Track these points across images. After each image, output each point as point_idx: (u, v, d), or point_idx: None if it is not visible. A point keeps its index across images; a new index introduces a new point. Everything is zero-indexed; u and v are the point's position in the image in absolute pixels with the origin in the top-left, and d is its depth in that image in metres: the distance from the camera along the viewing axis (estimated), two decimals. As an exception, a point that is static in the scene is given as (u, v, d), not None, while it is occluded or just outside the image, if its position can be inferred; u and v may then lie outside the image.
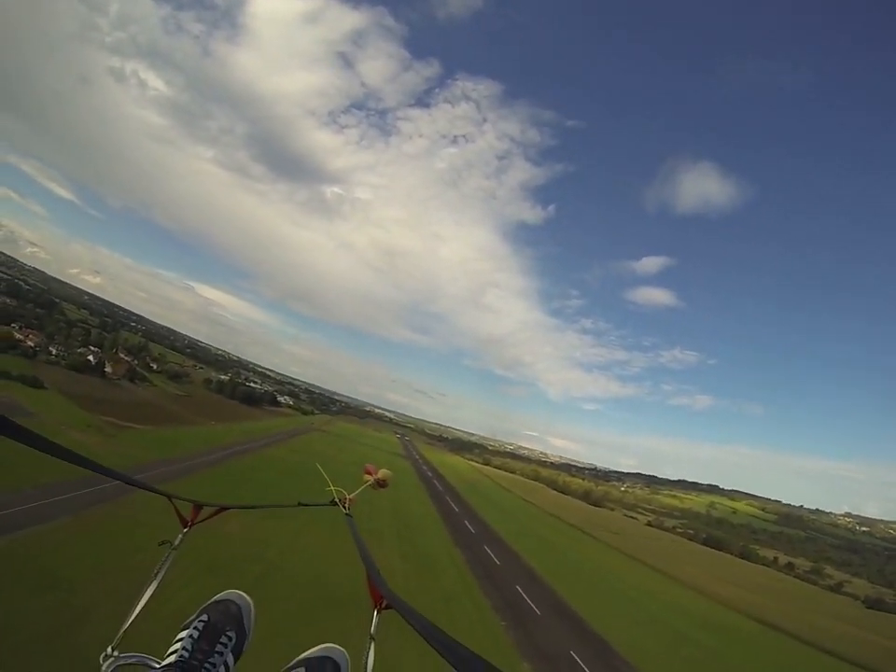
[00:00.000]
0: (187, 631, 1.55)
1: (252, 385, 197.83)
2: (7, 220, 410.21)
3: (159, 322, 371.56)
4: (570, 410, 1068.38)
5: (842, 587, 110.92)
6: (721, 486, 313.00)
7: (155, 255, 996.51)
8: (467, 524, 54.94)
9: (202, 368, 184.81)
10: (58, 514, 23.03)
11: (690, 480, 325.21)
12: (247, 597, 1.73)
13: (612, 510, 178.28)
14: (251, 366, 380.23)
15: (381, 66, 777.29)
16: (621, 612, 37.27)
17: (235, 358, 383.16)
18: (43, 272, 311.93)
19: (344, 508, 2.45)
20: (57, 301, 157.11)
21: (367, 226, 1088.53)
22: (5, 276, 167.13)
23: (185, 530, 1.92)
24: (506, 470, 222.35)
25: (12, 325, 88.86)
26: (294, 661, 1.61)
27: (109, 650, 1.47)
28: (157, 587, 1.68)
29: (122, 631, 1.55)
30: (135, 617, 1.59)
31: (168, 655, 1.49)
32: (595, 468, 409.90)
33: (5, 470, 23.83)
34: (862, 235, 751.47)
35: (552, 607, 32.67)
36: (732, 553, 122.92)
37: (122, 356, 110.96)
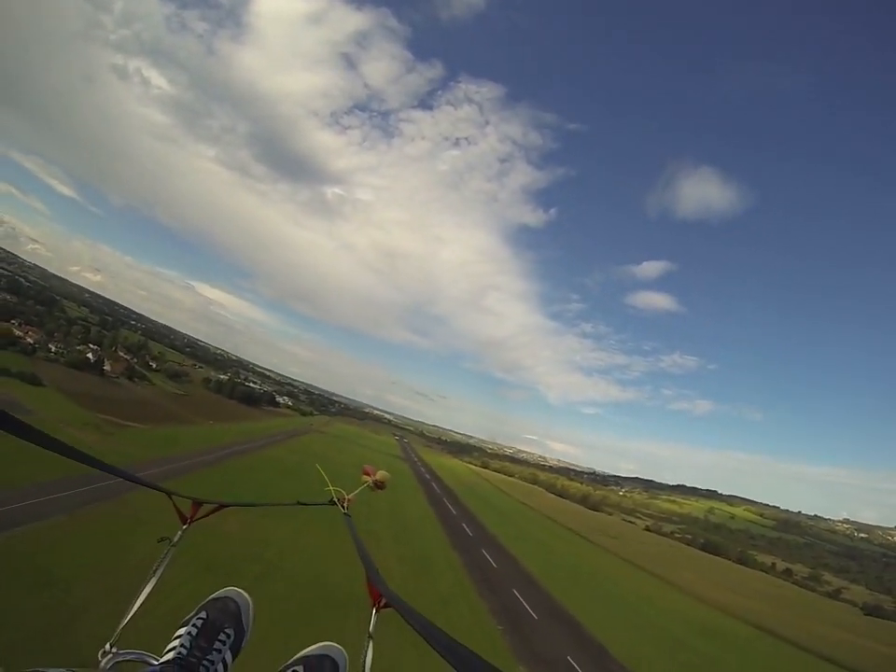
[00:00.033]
0: (185, 628, 1.55)
1: (251, 384, 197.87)
2: (8, 216, 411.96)
3: (158, 321, 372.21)
4: (570, 413, 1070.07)
5: (840, 594, 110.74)
6: (719, 492, 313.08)
7: (155, 253, 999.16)
8: (464, 526, 54.81)
9: (201, 367, 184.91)
10: (55, 512, 22.97)
11: (689, 485, 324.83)
12: (246, 595, 1.73)
13: (610, 514, 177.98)
14: (250, 366, 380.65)
15: (384, 68, 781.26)
16: (618, 617, 37.17)
17: (235, 358, 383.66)
18: (44, 269, 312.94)
19: (343, 507, 2.45)
20: (57, 298, 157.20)
21: (368, 227, 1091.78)
22: (5, 272, 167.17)
23: (184, 527, 1.92)
24: (504, 474, 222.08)
25: (12, 321, 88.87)
26: (292, 659, 1.61)
27: (108, 646, 1.48)
28: (156, 584, 1.69)
29: (121, 627, 1.55)
30: (134, 614, 1.60)
31: (166, 652, 1.49)
32: (594, 472, 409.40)
33: (3, 468, 23.82)
34: (862, 241, 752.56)
35: (549, 611, 32.58)
36: (730, 559, 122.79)
37: (122, 354, 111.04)
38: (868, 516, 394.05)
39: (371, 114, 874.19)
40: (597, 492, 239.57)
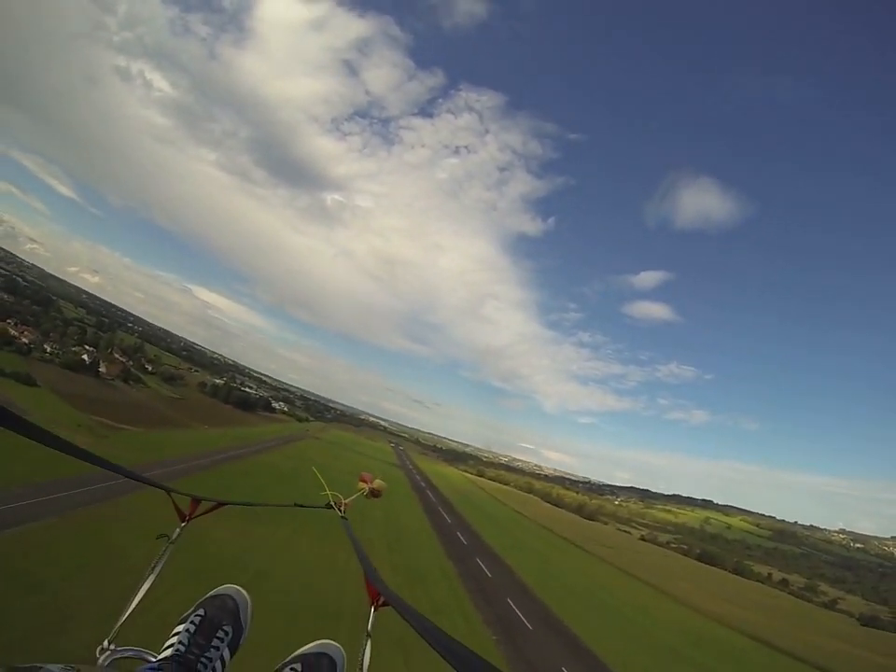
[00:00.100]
0: (183, 625, 1.55)
1: (247, 389, 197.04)
2: (7, 215, 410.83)
3: (155, 323, 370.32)
4: (566, 423, 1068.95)
5: (836, 604, 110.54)
6: (715, 501, 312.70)
7: (154, 256, 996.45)
8: (459, 535, 54.50)
9: (197, 371, 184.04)
10: (46, 514, 22.73)
11: (684, 495, 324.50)
12: (244, 593, 1.74)
13: (606, 523, 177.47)
14: (247, 371, 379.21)
15: (385, 75, 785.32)
16: (613, 627, 36.93)
17: (231, 363, 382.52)
18: (42, 268, 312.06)
19: (340, 511, 2.46)
20: (54, 298, 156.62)
21: (367, 234, 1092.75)
22: (3, 272, 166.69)
23: (182, 524, 1.92)
24: (500, 482, 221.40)
25: (8, 321, 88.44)
26: (290, 657, 1.61)
27: (106, 643, 1.48)
28: (154, 581, 1.69)
29: (119, 624, 1.55)
30: (132, 611, 1.59)
31: (164, 649, 1.49)
32: (590, 481, 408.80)
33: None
34: (861, 252, 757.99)
35: (543, 621, 32.33)
36: (726, 569, 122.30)
37: (117, 356, 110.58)
38: (864, 526, 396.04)
39: (372, 121, 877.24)
40: (593, 501, 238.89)
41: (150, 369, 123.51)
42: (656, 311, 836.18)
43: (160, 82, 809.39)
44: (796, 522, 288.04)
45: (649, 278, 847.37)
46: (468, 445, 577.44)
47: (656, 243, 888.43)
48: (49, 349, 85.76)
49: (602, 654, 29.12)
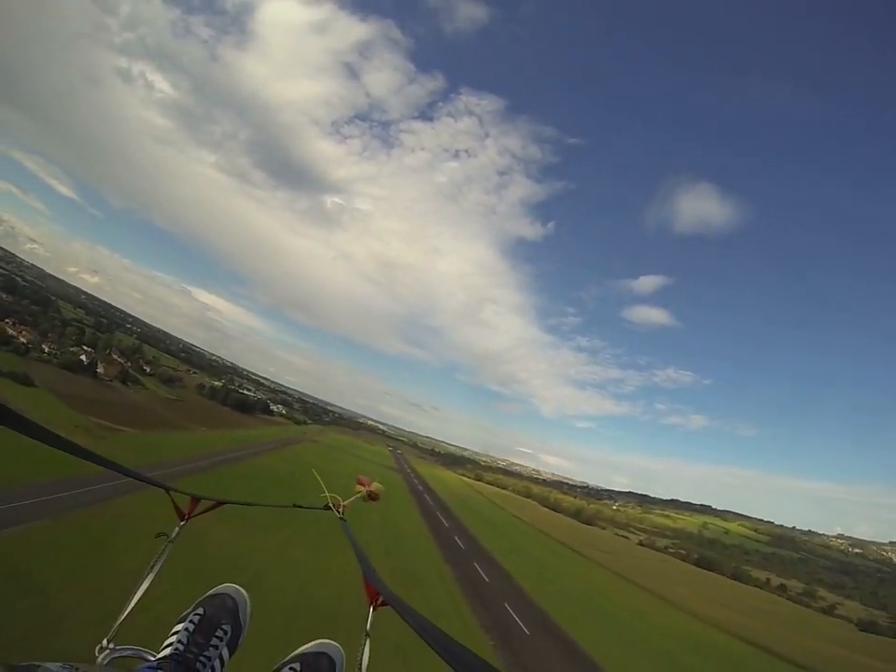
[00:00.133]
0: (182, 624, 1.55)
1: (245, 392, 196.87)
2: (7, 215, 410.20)
3: (154, 325, 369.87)
4: (564, 427, 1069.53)
5: (835, 609, 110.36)
6: (713, 506, 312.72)
7: (153, 257, 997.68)
8: (457, 539, 54.31)
9: (195, 373, 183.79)
10: (39, 516, 22.59)
11: (682, 500, 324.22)
12: (244, 592, 1.74)
13: (604, 528, 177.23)
14: (245, 373, 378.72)
15: (386, 78, 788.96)
16: (611, 633, 36.76)
17: (230, 365, 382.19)
18: (41, 269, 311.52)
19: (339, 512, 2.48)
20: (53, 298, 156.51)
21: (366, 237, 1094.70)
22: (2, 271, 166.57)
23: (182, 523, 1.91)
24: (498, 486, 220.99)
25: (6, 320, 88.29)
26: (289, 656, 1.62)
27: (105, 642, 1.47)
28: (153, 580, 1.69)
29: (118, 623, 1.54)
30: (131, 609, 1.59)
31: (163, 648, 1.49)
32: (587, 486, 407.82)
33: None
34: (859, 257, 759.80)
35: (541, 626, 32.17)
36: (724, 575, 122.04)
37: (116, 357, 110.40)
38: (862, 531, 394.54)
39: (372, 124, 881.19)
40: (591, 506, 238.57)
41: (148, 370, 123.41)
42: (655, 315, 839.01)
43: (161, 83, 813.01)
44: (794, 527, 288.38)
45: (647, 283, 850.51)
46: (465, 449, 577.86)
47: (655, 247, 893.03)
48: (47, 349, 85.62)
49: (599, 659, 28.96)
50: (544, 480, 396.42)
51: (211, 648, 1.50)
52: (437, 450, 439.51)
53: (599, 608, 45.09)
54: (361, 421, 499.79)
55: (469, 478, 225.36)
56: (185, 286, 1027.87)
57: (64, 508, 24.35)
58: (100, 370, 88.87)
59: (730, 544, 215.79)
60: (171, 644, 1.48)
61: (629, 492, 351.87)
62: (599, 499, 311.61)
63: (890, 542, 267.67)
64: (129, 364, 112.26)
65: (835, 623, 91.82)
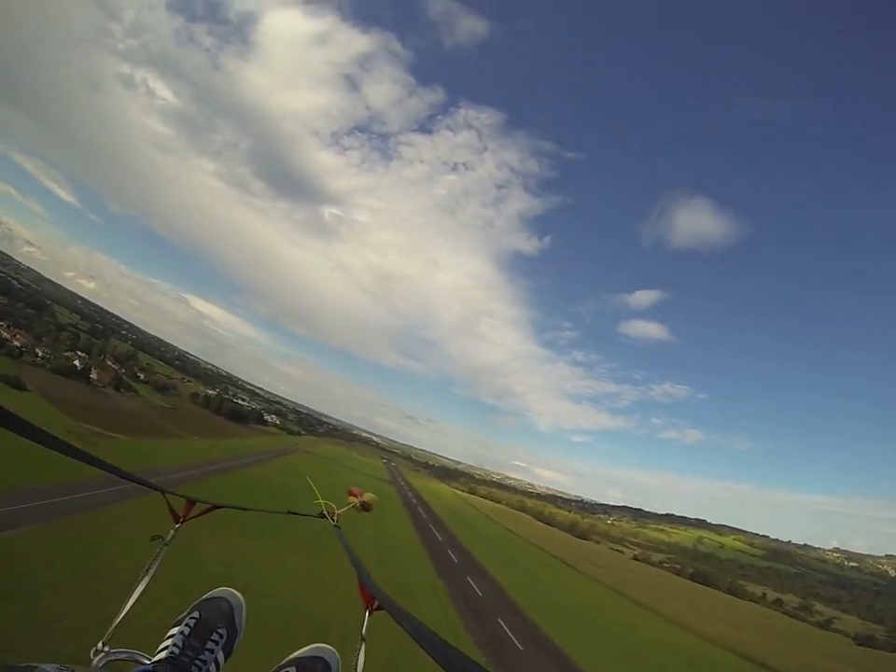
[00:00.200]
0: (178, 627, 1.54)
1: (240, 401, 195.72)
2: (6, 217, 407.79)
3: (149, 331, 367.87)
4: (559, 441, 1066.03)
5: (831, 623, 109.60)
6: (708, 521, 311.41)
7: (151, 263, 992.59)
8: (450, 553, 53.86)
9: (190, 381, 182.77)
10: (33, 521, 22.32)
11: (677, 514, 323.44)
12: (239, 595, 1.73)
13: (598, 543, 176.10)
14: (240, 382, 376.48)
15: (386, 90, 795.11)
16: (605, 648, 36.39)
17: (224, 374, 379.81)
18: (38, 272, 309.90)
19: (333, 520, 2.48)
20: (49, 302, 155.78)
21: (364, 249, 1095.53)
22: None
23: (177, 526, 1.91)
24: (492, 500, 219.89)
25: (0, 323, 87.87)
26: (285, 660, 1.61)
27: (100, 645, 1.46)
28: (148, 582, 1.68)
29: (113, 626, 1.53)
30: (126, 613, 1.58)
31: (159, 651, 1.48)
32: (582, 500, 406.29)
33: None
34: (854, 271, 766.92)
35: (534, 641, 31.83)
36: (719, 589, 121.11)
37: (110, 363, 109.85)
38: (858, 545, 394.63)
39: (371, 136, 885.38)
40: (585, 520, 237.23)
41: (143, 377, 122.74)
42: (651, 330, 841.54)
43: (163, 91, 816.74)
44: (790, 541, 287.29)
45: (644, 297, 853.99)
46: (460, 462, 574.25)
47: (651, 262, 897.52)
48: (40, 353, 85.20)
49: (593, 676, 28.68)
50: (538, 494, 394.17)
51: (206, 651, 1.49)
52: (431, 463, 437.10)
53: (593, 622, 44.66)
54: (356, 433, 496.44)
55: (463, 491, 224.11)
56: (182, 293, 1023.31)
57: (62, 512, 24.14)
58: (93, 375, 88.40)
59: (725, 558, 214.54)
60: (166, 647, 1.48)
61: (624, 506, 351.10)
62: (594, 514, 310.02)
63: (887, 555, 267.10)
64: (123, 371, 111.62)
65: (832, 637, 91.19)
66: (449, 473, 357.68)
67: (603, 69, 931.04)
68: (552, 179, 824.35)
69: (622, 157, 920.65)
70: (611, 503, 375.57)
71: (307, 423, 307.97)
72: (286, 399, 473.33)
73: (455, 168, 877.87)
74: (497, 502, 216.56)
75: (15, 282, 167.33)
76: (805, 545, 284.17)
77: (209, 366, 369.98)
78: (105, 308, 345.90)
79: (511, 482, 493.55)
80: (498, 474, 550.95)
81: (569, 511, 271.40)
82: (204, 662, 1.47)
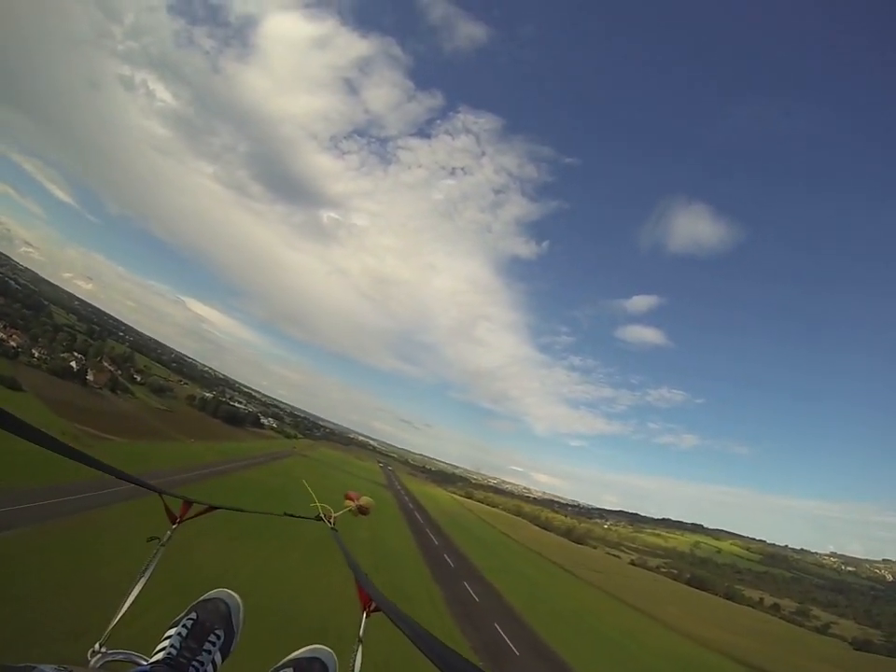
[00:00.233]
0: (175, 629, 1.54)
1: (236, 404, 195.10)
2: (4, 217, 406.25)
3: (146, 333, 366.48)
4: (556, 445, 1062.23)
5: (829, 628, 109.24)
6: (705, 526, 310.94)
7: (149, 265, 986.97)
8: (446, 558, 53.70)
9: (186, 383, 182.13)
10: (28, 522, 22.16)
11: (674, 519, 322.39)
12: (237, 596, 1.73)
13: (595, 547, 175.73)
14: (237, 385, 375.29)
15: (385, 95, 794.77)
16: (601, 653, 36.29)
17: (222, 376, 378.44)
18: (36, 273, 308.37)
19: (329, 523, 2.50)
20: (46, 303, 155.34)
21: (361, 253, 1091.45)
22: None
23: (173, 527, 1.91)
24: (488, 504, 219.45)
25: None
26: (282, 661, 1.62)
27: (97, 646, 1.46)
28: (145, 583, 1.68)
29: (110, 627, 1.53)
30: (123, 614, 1.58)
31: (156, 652, 1.49)
32: (579, 504, 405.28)
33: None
34: (848, 277, 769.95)
35: (531, 646, 31.70)
36: (717, 594, 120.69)
37: (106, 364, 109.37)
38: (855, 550, 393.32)
39: (370, 140, 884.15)
40: (582, 525, 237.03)
41: (139, 379, 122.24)
42: (648, 335, 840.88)
43: (162, 93, 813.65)
44: (787, 545, 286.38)
45: (641, 303, 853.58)
46: (457, 467, 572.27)
47: (649, 267, 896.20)
48: (37, 354, 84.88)
49: (589, 682, 28.59)
50: (535, 498, 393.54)
51: (204, 652, 1.49)
52: (428, 467, 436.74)
53: (590, 627, 44.54)
54: (352, 436, 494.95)
55: (459, 496, 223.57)
56: (179, 296, 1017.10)
57: (58, 514, 24.00)
58: (90, 377, 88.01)
59: (722, 563, 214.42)
60: (164, 648, 1.48)
61: (620, 511, 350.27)
62: (590, 518, 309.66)
63: (884, 560, 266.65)
64: (119, 372, 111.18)
65: (830, 642, 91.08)
66: (446, 477, 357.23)
67: (601, 75, 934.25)
68: (549, 184, 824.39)
69: (619, 162, 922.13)
70: (608, 507, 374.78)
71: (304, 426, 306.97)
72: (282, 403, 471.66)
73: (453, 173, 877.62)
74: (494, 506, 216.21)
75: (12, 282, 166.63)
76: (802, 550, 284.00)
77: (206, 368, 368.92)
78: (103, 309, 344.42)
79: (508, 486, 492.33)
80: (495, 478, 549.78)
81: (566, 516, 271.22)
82: (202, 663, 1.47)
